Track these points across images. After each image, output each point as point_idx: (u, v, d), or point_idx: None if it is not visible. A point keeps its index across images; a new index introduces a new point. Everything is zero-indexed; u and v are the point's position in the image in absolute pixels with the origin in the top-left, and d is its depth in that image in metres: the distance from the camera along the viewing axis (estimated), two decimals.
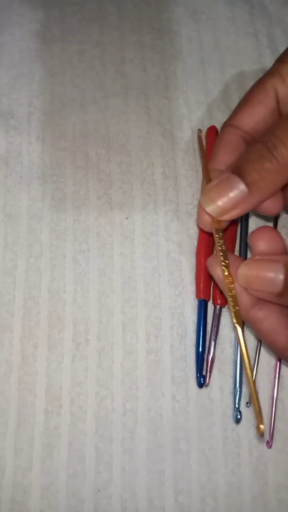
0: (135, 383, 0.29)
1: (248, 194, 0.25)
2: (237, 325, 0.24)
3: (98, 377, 0.29)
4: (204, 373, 0.29)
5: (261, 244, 0.25)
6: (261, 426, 0.22)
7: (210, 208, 0.26)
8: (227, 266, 0.25)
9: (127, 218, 0.32)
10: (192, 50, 0.36)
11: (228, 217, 0.26)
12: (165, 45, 0.36)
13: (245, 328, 0.30)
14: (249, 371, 0.24)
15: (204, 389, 0.29)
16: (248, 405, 0.29)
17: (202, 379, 0.29)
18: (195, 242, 0.32)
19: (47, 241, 0.31)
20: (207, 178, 0.28)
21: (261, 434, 0.25)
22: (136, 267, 0.31)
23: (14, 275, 0.31)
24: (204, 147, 0.32)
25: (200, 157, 0.33)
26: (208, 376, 0.29)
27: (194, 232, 0.32)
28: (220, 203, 0.25)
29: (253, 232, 0.26)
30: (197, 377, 0.29)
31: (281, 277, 0.24)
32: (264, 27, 0.37)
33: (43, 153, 0.33)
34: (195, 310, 0.30)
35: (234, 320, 0.25)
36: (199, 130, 0.32)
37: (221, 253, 0.26)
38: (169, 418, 0.29)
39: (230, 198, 0.25)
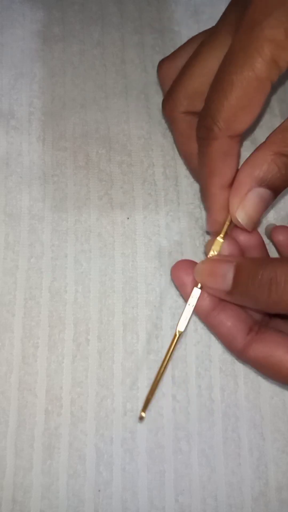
0: (136, 383, 0.29)
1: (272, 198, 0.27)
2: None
3: (98, 377, 0.29)
4: None
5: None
6: (143, 414, 0.27)
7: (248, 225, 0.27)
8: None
9: (128, 218, 0.32)
10: None
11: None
12: (165, 45, 0.36)
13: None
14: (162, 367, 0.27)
15: (204, 390, 0.29)
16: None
17: None
18: (197, 242, 0.32)
19: (48, 241, 0.31)
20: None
21: (140, 418, 0.27)
22: (137, 267, 0.31)
23: (15, 275, 0.31)
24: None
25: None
26: None
27: (195, 232, 0.32)
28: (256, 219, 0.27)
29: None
30: None
31: (231, 275, 0.26)
32: None
33: (44, 153, 0.33)
34: None
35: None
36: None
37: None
38: (169, 418, 0.29)
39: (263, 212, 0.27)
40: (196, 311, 0.27)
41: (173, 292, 0.31)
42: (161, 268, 0.31)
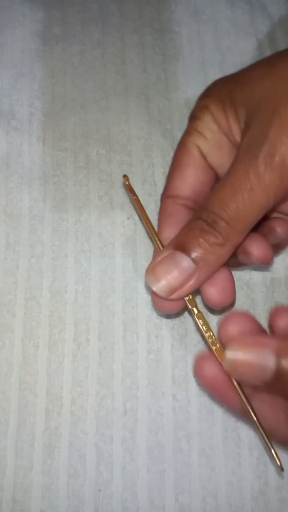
0: (136, 383, 0.29)
1: (195, 270, 0.24)
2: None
3: (98, 377, 0.29)
4: None
5: (233, 329, 0.24)
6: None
7: (157, 288, 0.25)
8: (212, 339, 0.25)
9: (128, 218, 0.32)
10: (193, 51, 0.36)
11: (177, 295, 0.25)
12: (165, 46, 0.36)
13: None
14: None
15: (205, 390, 0.29)
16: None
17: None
18: None
19: (49, 241, 0.31)
20: (154, 238, 0.27)
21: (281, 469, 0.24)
22: (138, 267, 0.31)
23: (16, 275, 0.31)
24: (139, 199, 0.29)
25: (135, 209, 0.31)
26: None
27: None
28: (166, 282, 0.25)
29: (224, 319, 0.25)
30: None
31: (271, 365, 0.22)
32: (265, 28, 0.37)
33: (44, 154, 0.33)
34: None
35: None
36: (126, 178, 0.29)
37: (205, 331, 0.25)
38: (169, 417, 0.29)
39: (177, 275, 0.24)
40: (231, 399, 0.24)
41: None
42: None
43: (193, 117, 0.28)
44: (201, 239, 0.24)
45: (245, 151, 0.24)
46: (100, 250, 0.31)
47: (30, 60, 0.35)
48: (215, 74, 0.36)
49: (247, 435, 0.29)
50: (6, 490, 0.28)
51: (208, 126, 0.27)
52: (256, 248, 0.27)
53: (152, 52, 0.36)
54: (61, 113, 0.34)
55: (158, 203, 0.32)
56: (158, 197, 0.32)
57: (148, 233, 0.31)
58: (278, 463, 0.24)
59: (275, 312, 0.25)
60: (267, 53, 0.36)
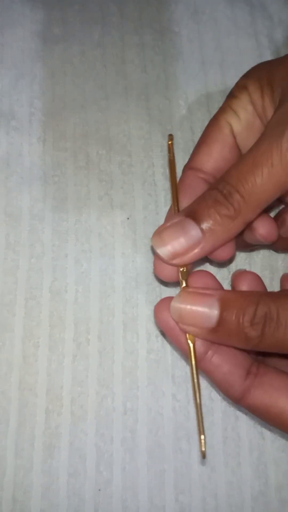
0: (136, 383, 0.29)
1: (202, 239, 0.24)
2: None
3: (99, 377, 0.29)
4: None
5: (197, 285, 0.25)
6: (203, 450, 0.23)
7: (160, 250, 0.25)
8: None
9: (128, 218, 0.32)
10: (193, 51, 0.36)
11: (179, 261, 0.25)
12: (165, 46, 0.36)
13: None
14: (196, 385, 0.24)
15: (204, 390, 0.29)
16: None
17: None
18: None
19: (49, 241, 0.31)
20: (174, 201, 0.27)
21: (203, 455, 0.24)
22: (138, 267, 0.31)
23: (16, 275, 0.31)
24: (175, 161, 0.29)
25: (168, 173, 0.31)
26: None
27: None
28: (171, 247, 0.24)
29: (190, 277, 0.25)
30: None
31: (215, 312, 0.23)
32: (265, 28, 0.37)
33: (44, 154, 0.33)
34: None
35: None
36: (171, 137, 0.30)
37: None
38: (169, 417, 0.29)
39: (182, 242, 0.24)
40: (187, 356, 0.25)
41: (173, 291, 0.31)
42: None
43: (231, 95, 0.28)
44: (212, 209, 0.24)
45: (272, 127, 0.24)
46: (100, 250, 0.31)
47: (30, 60, 0.35)
48: (215, 74, 0.36)
49: (247, 434, 0.29)
50: (6, 490, 0.28)
51: (244, 106, 0.27)
52: (261, 224, 0.27)
53: (152, 52, 0.36)
54: (61, 113, 0.34)
55: (159, 203, 0.32)
56: (159, 198, 0.33)
57: (171, 196, 0.30)
58: (203, 448, 0.23)
59: (237, 276, 0.26)
60: (267, 53, 0.36)
